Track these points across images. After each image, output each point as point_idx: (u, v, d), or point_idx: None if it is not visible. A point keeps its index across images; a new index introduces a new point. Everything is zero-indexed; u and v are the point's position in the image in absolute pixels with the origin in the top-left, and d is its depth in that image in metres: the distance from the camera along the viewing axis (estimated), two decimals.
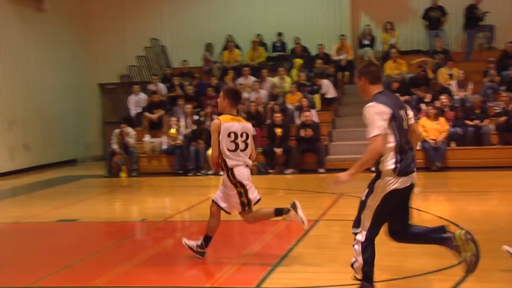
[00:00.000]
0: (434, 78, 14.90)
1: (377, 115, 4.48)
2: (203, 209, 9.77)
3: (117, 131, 14.69)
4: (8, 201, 11.72)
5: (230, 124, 5.95)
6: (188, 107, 14.79)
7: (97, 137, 18.71)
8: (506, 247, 5.48)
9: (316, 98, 15.13)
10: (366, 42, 16.66)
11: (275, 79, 15.75)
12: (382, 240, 4.85)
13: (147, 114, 15.41)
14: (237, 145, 5.97)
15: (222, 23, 17.73)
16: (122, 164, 14.39)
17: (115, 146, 14.50)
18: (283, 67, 16.09)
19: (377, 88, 4.69)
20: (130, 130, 14.71)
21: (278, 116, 14.01)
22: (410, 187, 4.68)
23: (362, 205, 4.71)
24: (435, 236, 4.78)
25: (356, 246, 4.68)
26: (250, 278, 5.60)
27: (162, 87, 16.29)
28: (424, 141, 13.13)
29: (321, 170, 13.37)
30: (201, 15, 18.01)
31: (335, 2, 17.34)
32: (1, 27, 15.00)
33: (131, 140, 14.55)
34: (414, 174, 4.69)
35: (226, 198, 6.16)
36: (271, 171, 13.60)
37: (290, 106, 14.84)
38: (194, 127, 14.57)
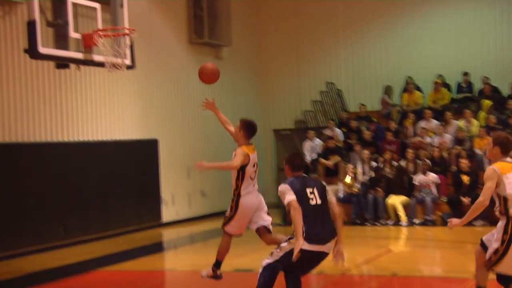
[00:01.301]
0: None
1: (284, 191, 5.94)
2: (382, 262, 9.53)
3: None
4: (186, 248, 12.32)
5: (254, 155, 7.02)
6: (366, 153, 14.65)
7: (272, 184, 19.12)
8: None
9: None
10: None
11: (461, 122, 15.14)
12: None
13: (322, 160, 15.51)
14: (255, 173, 7.06)
15: (401, 64, 17.50)
16: None
17: None
18: (470, 109, 15.43)
19: (296, 174, 6.16)
20: None
21: (464, 162, 13.40)
22: (319, 254, 5.87)
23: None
24: None
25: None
26: None
27: (338, 132, 16.36)
28: None
29: None
30: (379, 56, 17.95)
31: None
32: (183, 75, 16.05)
33: None
34: (327, 244, 5.87)
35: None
36: None
37: (478, 151, 14.13)
38: (372, 174, 14.38)
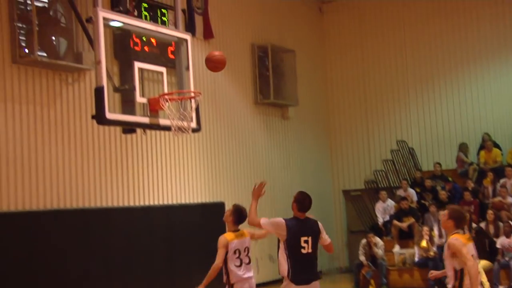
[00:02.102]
0: None
1: (275, 223, 6.78)
2: None
3: (363, 241, 14.60)
4: None
5: (235, 242, 7.28)
6: (442, 214, 14.18)
7: (342, 247, 18.77)
8: None
9: None
10: None
11: None
12: None
13: (396, 222, 15.12)
14: (241, 261, 7.25)
15: (477, 120, 17.09)
16: (370, 278, 14.16)
17: (362, 258, 14.38)
18: None
19: (300, 215, 6.78)
20: (378, 240, 14.53)
21: None
22: None
23: None
24: None
25: None
26: None
27: (411, 192, 15.98)
28: None
29: None
30: (453, 113, 17.57)
31: None
32: (251, 137, 16.11)
33: (379, 251, 14.33)
34: (312, 283, 6.60)
35: None
36: None
37: None
38: None
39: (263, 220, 6.82)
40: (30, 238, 10.32)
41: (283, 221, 6.67)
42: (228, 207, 14.79)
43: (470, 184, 15.25)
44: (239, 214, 7.63)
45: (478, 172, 16.01)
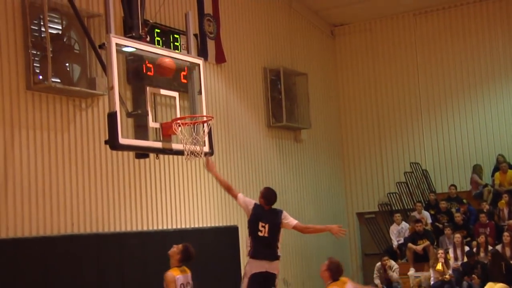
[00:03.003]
0: None
1: (247, 202, 8.33)
2: None
3: (378, 264, 14.49)
4: None
5: (180, 277, 8.00)
6: (457, 236, 14.11)
7: (357, 271, 18.64)
8: None
9: None
10: None
11: None
12: None
13: (410, 245, 15.00)
14: None
15: (491, 142, 17.00)
16: None
17: (377, 281, 14.28)
18: None
19: (265, 207, 8.27)
20: (392, 263, 14.42)
21: None
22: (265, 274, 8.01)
23: None
24: None
25: None
26: None
27: (426, 215, 15.88)
28: None
29: None
30: (466, 134, 17.50)
31: None
32: (264, 160, 16.10)
33: (394, 275, 14.21)
34: (271, 264, 8.11)
35: None
36: None
37: None
38: (465, 259, 13.77)
39: (240, 195, 8.32)
40: (44, 264, 10.33)
41: (253, 204, 8.12)
42: (241, 230, 14.82)
43: (485, 206, 15.14)
44: (187, 255, 8.24)
45: (492, 194, 15.90)
